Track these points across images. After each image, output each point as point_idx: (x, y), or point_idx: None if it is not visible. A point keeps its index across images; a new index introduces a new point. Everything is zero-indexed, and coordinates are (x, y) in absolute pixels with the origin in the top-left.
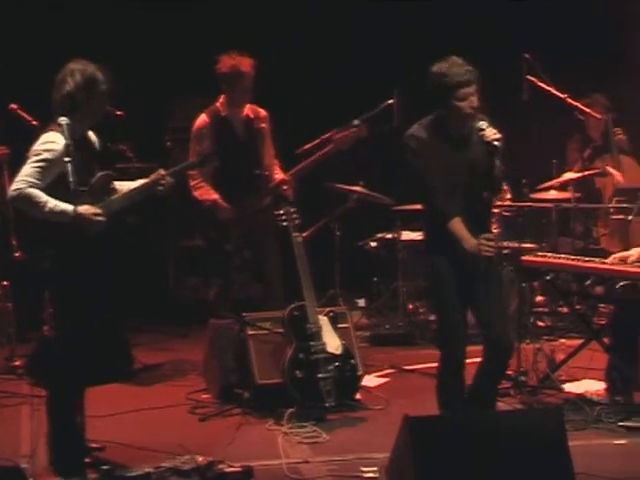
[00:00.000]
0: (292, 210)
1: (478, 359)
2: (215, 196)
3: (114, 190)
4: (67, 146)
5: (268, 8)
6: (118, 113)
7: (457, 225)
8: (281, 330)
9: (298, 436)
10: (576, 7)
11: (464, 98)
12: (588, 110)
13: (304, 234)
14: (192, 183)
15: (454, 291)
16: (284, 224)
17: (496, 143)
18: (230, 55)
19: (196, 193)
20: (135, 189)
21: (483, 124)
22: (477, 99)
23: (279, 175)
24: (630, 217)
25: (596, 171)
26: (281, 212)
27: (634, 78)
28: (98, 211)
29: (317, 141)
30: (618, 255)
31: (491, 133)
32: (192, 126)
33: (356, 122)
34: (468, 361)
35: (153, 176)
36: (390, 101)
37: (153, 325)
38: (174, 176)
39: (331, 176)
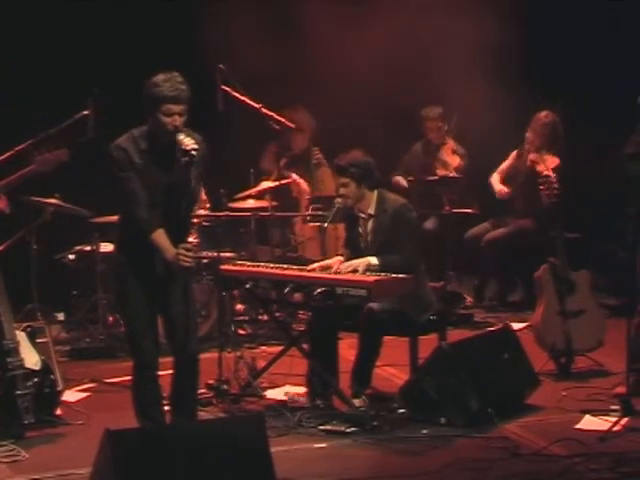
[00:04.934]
0: None
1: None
2: None
3: None
4: None
5: None
6: None
7: (159, 237)
8: None
9: None
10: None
11: (168, 114)
12: (282, 120)
13: None
14: None
15: (142, 302)
16: None
17: (193, 152)
18: None
19: None
20: None
21: (180, 135)
22: (181, 119)
23: None
24: (325, 224)
25: (291, 180)
26: None
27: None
28: None
29: (11, 152)
30: (319, 265)
31: (189, 142)
32: None
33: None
34: (171, 372)
35: None
36: (85, 112)
37: None
38: None
39: (26, 188)
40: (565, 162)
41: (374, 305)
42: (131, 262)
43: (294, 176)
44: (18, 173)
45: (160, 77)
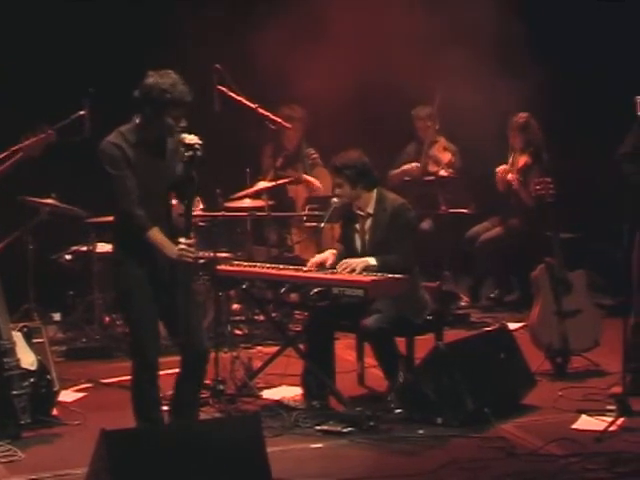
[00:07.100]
0: None
1: (177, 370)
2: None
3: None
4: None
5: None
6: None
7: (156, 234)
8: None
9: None
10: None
11: (177, 117)
12: (279, 120)
13: None
14: None
15: (145, 301)
16: None
17: (197, 147)
18: None
19: None
20: None
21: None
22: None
23: None
24: (322, 225)
25: (289, 179)
26: None
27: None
28: None
29: (6, 153)
30: (313, 261)
31: (191, 138)
32: None
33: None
34: (169, 372)
35: None
36: (81, 112)
37: None
38: None
39: (22, 189)
40: (539, 162)
41: (368, 322)
42: (131, 262)
43: (307, 177)
44: (7, 163)
45: (165, 81)
